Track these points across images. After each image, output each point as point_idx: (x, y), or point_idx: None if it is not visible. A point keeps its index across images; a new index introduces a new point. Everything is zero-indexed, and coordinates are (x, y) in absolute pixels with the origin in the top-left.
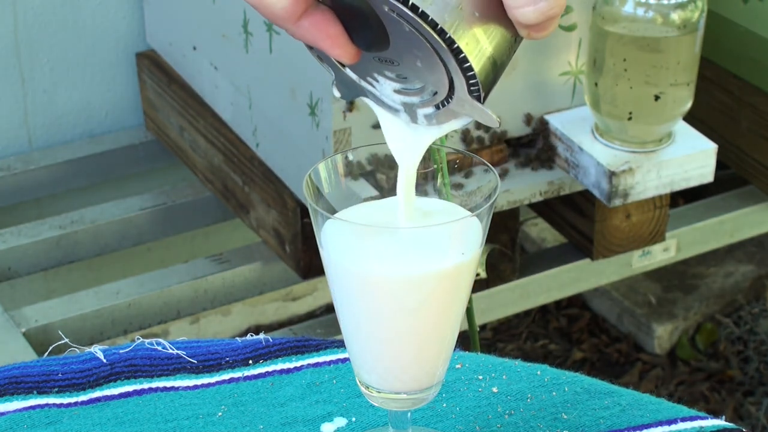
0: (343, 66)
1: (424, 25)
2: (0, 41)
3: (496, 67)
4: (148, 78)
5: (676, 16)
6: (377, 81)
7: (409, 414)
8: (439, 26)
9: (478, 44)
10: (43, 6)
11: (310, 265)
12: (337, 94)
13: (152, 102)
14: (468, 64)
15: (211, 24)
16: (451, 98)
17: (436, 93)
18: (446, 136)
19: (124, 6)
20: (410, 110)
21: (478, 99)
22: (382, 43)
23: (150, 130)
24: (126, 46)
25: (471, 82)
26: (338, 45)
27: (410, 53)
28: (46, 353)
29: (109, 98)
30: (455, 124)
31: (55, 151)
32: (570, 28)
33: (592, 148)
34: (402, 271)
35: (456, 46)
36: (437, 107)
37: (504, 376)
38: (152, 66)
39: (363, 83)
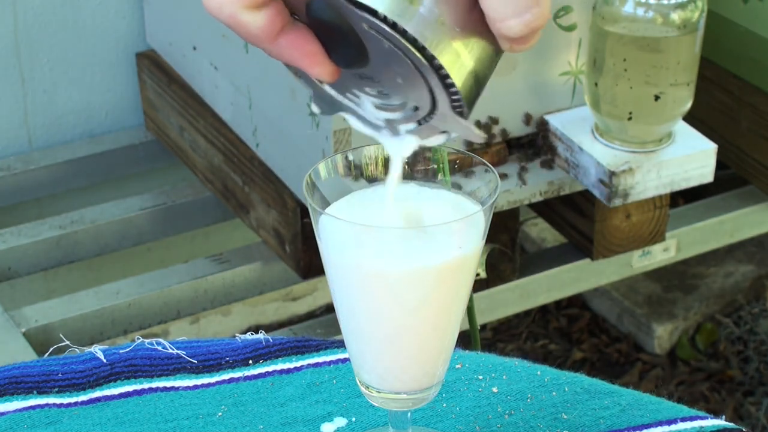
0: (322, 82)
1: (404, 41)
2: (0, 41)
3: (479, 81)
4: (148, 78)
5: (676, 16)
6: (357, 97)
7: (409, 414)
8: (419, 42)
9: (460, 59)
10: (43, 6)
11: (310, 265)
12: (316, 110)
13: (152, 102)
14: (450, 80)
15: (211, 24)
16: (434, 114)
17: (417, 108)
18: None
19: (124, 6)
20: (392, 126)
21: (461, 114)
22: (362, 60)
23: (150, 130)
24: (126, 46)
25: (454, 97)
26: (317, 63)
27: (390, 70)
28: (47, 355)
29: (109, 98)
30: (438, 140)
31: (55, 151)
32: (570, 28)
33: (592, 148)
34: (402, 268)
35: (437, 62)
36: (419, 123)
37: (504, 376)
38: (152, 66)
39: (343, 100)
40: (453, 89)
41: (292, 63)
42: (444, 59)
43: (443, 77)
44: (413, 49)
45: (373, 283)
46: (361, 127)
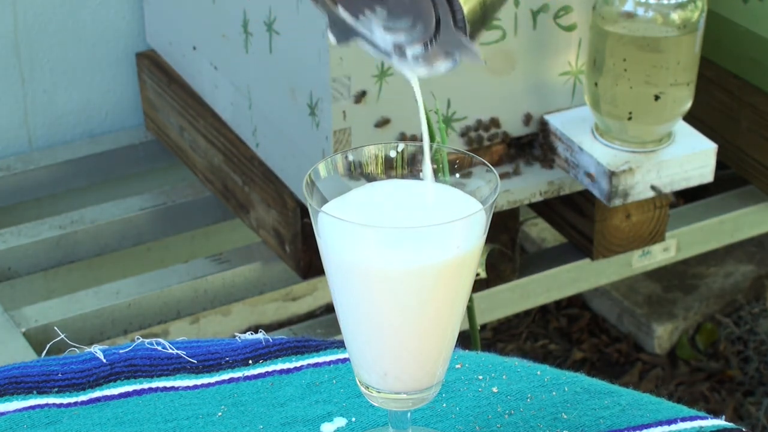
0: (336, 3)
1: None
2: (0, 41)
3: (485, 4)
4: (148, 78)
5: (676, 16)
6: (369, 20)
7: (409, 414)
8: None
9: None
10: (43, 6)
11: (310, 265)
12: (332, 39)
13: (152, 102)
14: None
15: (211, 24)
16: (438, 35)
17: (424, 31)
18: (447, 135)
19: (124, 6)
20: (400, 51)
21: (464, 33)
22: None
23: (150, 130)
24: (126, 46)
25: (457, 14)
26: None
27: None
28: (44, 351)
29: (109, 98)
30: (443, 66)
31: (55, 151)
32: (570, 28)
33: (592, 148)
34: (402, 267)
35: None
36: (425, 46)
37: (504, 376)
38: (152, 66)
39: (355, 24)
40: (456, 3)
41: None
42: None
43: None
44: None
45: (373, 282)
46: (373, 53)
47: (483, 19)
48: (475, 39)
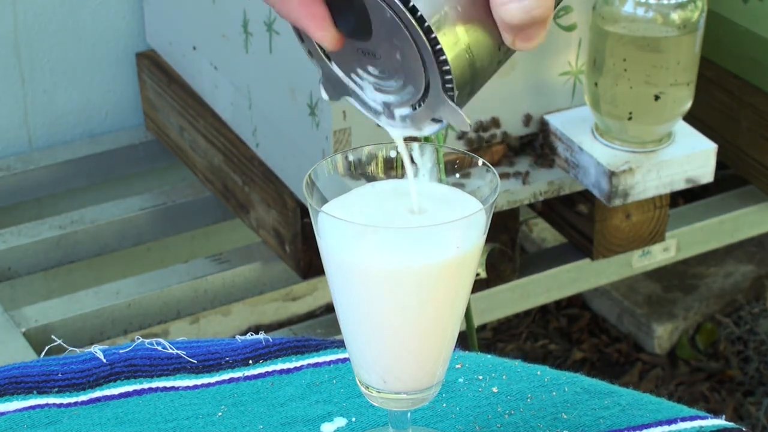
0: (330, 60)
1: (404, 10)
2: (0, 41)
3: (474, 69)
4: (148, 78)
5: (676, 16)
6: (361, 78)
7: (409, 414)
8: (419, 13)
9: (457, 39)
10: (43, 6)
11: (310, 265)
12: (324, 95)
13: (152, 102)
14: (444, 57)
15: (211, 24)
16: (426, 97)
17: (413, 92)
18: (445, 135)
19: (124, 6)
20: (389, 111)
21: (451, 98)
22: (365, 33)
23: (150, 130)
24: (126, 46)
25: (446, 78)
26: (321, 27)
27: (391, 44)
28: (42, 355)
29: (109, 98)
30: (429, 129)
31: (55, 151)
32: (570, 28)
33: (592, 148)
34: (402, 267)
35: (434, 36)
36: (413, 108)
37: (504, 376)
38: (152, 66)
39: (347, 81)
40: (446, 68)
41: (298, 23)
42: (440, 34)
43: (438, 53)
44: (412, 19)
45: (373, 282)
46: (363, 111)
47: (472, 79)
48: (462, 104)
